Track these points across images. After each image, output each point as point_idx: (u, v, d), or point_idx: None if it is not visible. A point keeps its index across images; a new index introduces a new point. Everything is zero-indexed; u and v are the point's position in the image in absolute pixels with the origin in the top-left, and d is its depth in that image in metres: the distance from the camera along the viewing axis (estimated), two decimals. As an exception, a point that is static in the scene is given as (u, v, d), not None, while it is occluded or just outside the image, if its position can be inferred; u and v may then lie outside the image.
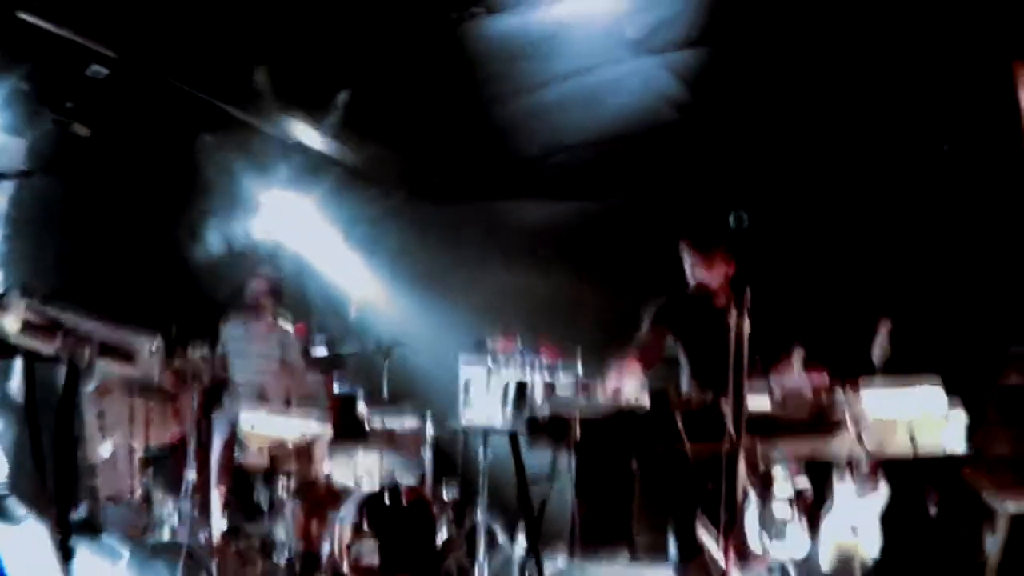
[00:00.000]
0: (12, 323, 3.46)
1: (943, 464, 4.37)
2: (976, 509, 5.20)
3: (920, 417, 3.85)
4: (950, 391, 4.03)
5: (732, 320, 3.53)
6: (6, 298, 3.47)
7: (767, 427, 3.78)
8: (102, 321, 3.76)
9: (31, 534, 5.39)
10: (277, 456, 6.02)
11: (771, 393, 3.89)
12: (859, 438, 3.78)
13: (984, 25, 5.41)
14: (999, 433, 5.42)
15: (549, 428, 4.04)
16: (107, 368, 3.82)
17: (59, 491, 4.01)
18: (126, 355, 3.84)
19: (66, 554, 3.78)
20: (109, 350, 3.77)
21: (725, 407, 3.61)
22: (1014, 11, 5.28)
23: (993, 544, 4.99)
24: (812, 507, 5.82)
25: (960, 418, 3.91)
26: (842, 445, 3.81)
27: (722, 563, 3.70)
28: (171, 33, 6.08)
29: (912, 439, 3.83)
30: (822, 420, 3.80)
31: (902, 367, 5.11)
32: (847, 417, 3.74)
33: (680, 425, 3.71)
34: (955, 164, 6.18)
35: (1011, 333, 5.72)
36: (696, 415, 3.77)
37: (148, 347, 3.88)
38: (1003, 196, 5.76)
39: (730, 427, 3.55)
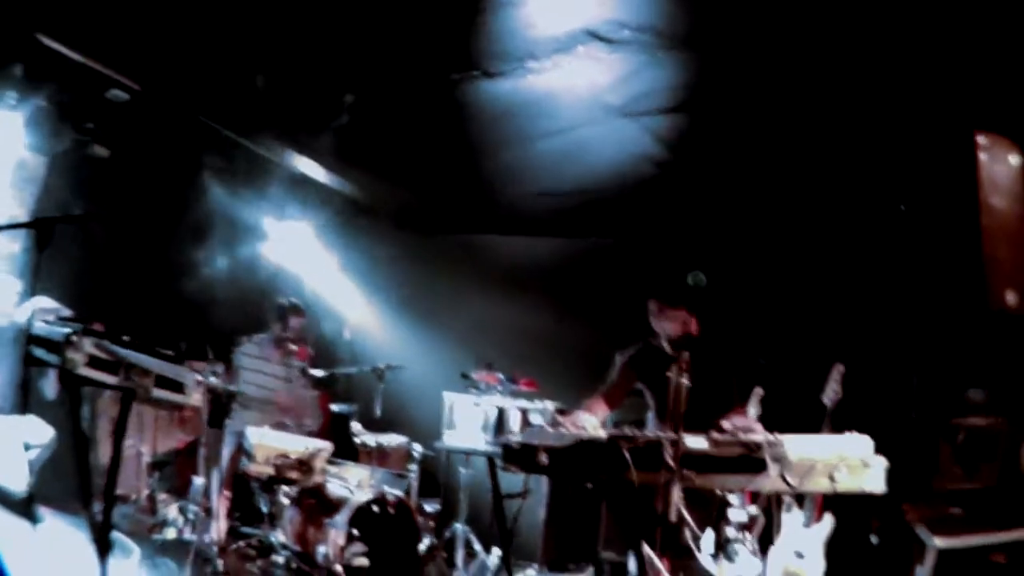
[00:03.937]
0: (80, 358, 3.99)
1: (886, 500, 4.68)
2: (910, 542, 5.59)
3: (840, 460, 4.22)
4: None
5: (672, 374, 4.09)
6: (76, 337, 4.01)
7: (701, 463, 4.21)
8: (153, 356, 4.27)
9: (51, 533, 5.91)
10: (280, 466, 6.31)
11: (707, 434, 4.34)
12: (781, 476, 4.26)
13: (947, 94, 5.74)
14: (949, 470, 5.87)
15: (520, 454, 4.40)
16: (162, 396, 4.30)
17: (107, 492, 4.47)
18: (177, 386, 4.36)
19: (104, 548, 4.19)
20: (163, 382, 4.30)
21: (665, 443, 4.13)
22: (976, 81, 5.61)
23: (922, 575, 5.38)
24: (762, 533, 6.37)
25: (881, 463, 4.26)
26: (766, 482, 4.20)
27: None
28: (187, 65, 6.42)
29: (832, 479, 4.22)
30: (749, 459, 4.21)
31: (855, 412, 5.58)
32: (768, 458, 4.20)
33: (628, 457, 4.15)
34: (912, 224, 6.50)
35: (965, 378, 6.13)
36: (641, 450, 4.18)
37: (193, 379, 4.43)
38: (956, 254, 5.94)
39: (668, 460, 4.12)
